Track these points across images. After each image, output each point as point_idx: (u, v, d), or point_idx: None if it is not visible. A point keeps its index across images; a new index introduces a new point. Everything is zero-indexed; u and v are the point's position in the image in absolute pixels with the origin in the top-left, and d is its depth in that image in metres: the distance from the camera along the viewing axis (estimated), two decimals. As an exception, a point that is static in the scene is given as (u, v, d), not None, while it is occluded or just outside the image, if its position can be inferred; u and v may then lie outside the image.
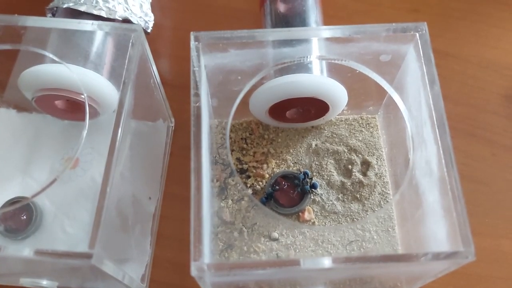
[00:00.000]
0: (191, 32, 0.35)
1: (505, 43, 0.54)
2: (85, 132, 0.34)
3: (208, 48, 0.35)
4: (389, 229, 0.42)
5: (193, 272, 0.27)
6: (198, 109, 0.32)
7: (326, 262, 0.29)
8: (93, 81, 0.40)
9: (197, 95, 0.33)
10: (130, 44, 0.35)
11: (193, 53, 0.35)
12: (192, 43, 0.35)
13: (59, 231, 0.43)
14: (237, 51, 0.36)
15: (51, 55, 0.37)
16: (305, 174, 0.44)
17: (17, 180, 0.45)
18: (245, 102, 0.42)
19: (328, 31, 0.36)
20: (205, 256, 0.29)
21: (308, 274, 0.33)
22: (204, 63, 0.36)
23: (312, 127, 0.47)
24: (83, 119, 0.44)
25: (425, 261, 0.29)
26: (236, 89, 0.37)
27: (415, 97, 0.36)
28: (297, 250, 0.41)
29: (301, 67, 0.40)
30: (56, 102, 0.44)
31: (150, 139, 0.47)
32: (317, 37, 0.36)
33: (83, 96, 0.41)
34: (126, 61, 0.34)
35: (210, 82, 0.38)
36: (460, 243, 0.29)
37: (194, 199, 0.29)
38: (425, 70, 0.34)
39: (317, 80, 0.40)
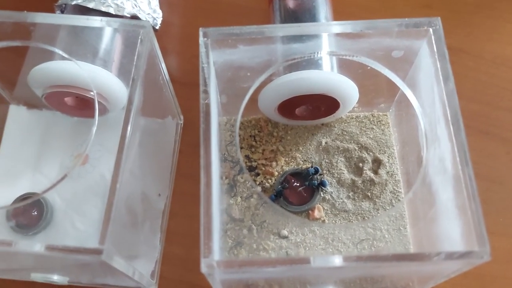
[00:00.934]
0: (200, 28, 0.34)
1: (519, 40, 0.53)
2: (94, 129, 0.34)
3: (217, 44, 0.35)
4: (401, 228, 0.41)
5: (203, 269, 0.27)
6: (207, 106, 0.31)
7: (337, 260, 0.29)
8: (102, 78, 0.40)
9: (206, 92, 0.32)
10: (139, 40, 0.35)
11: (202, 50, 0.34)
12: (201, 39, 0.34)
13: (69, 227, 0.43)
14: (246, 47, 0.35)
15: (60, 52, 0.37)
16: (316, 169, 0.43)
17: (28, 176, 0.45)
18: (254, 99, 0.42)
19: (338, 27, 0.35)
20: (215, 253, 0.28)
21: (318, 273, 0.33)
22: (213, 59, 0.36)
23: (322, 124, 0.46)
24: (93, 116, 0.44)
25: (438, 260, 0.28)
26: (245, 86, 0.37)
27: (428, 93, 0.35)
28: (307, 248, 0.40)
29: (311, 63, 0.40)
30: (66, 99, 0.44)
31: (159, 136, 0.47)
32: (327, 33, 0.36)
33: (92, 93, 0.40)
34: (135, 58, 0.34)
35: (219, 78, 0.38)
36: (475, 243, 0.28)
37: (203, 196, 0.29)
38: (439, 66, 0.33)
39: (327, 76, 0.40)
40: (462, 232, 0.30)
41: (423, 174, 0.33)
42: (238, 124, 0.34)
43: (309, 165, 0.44)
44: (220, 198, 0.34)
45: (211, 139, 0.31)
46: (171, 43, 0.55)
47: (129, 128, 0.31)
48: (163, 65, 0.40)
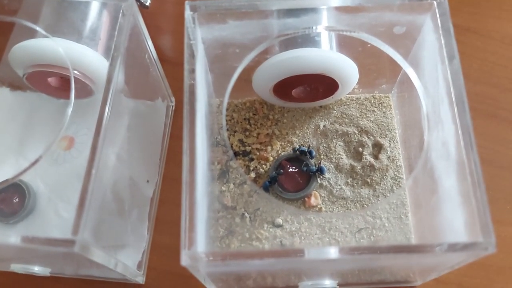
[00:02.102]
0: (186, 2, 0.32)
1: (530, 18, 0.51)
2: (70, 110, 0.32)
3: (204, 19, 0.33)
4: (402, 216, 0.39)
5: (184, 261, 0.25)
6: (192, 86, 0.29)
7: (333, 252, 0.27)
8: (86, 57, 0.38)
9: (193, 71, 0.30)
10: (121, 14, 0.33)
11: (189, 25, 0.32)
12: (187, 13, 0.32)
13: (53, 215, 0.41)
14: (237, 22, 0.33)
15: (37, 28, 0.35)
16: (309, 152, 0.41)
17: (11, 161, 0.44)
18: (248, 79, 0.41)
19: (338, 0, 0.33)
20: (198, 244, 0.27)
21: (313, 265, 0.31)
22: (202, 36, 0.34)
23: (320, 106, 0.45)
24: (79, 97, 0.42)
25: (440, 252, 0.27)
26: (237, 65, 0.35)
27: (431, 73, 0.33)
28: (303, 238, 0.39)
29: (308, 40, 0.38)
30: (49, 79, 0.42)
31: (149, 119, 0.45)
32: (325, 6, 0.33)
33: (76, 72, 0.39)
34: (116, 33, 0.32)
35: (208, 57, 0.36)
36: (479, 233, 0.26)
37: (186, 183, 0.27)
38: (443, 42, 0.31)
39: (325, 55, 0.38)
40: (465, 221, 0.28)
41: (424, 158, 0.32)
42: (225, 104, 0.32)
43: (308, 144, 0.43)
44: (207, 184, 0.32)
45: (196, 121, 0.29)
46: (165, 22, 0.53)
47: (107, 109, 0.30)
48: (150, 43, 0.38)
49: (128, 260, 0.39)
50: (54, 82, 0.42)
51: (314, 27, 0.34)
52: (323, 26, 0.34)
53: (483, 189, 0.27)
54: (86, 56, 0.38)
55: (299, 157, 0.42)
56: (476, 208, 0.27)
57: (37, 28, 0.35)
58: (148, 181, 0.43)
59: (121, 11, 0.33)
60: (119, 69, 0.31)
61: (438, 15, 0.32)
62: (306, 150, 0.42)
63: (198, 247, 0.27)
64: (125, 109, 0.41)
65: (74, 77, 0.39)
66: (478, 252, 0.26)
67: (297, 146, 0.42)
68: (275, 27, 0.35)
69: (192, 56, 0.32)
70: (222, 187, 0.41)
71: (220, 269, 0.29)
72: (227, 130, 0.44)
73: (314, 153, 0.42)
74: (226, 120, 0.44)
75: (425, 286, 0.39)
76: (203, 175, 0.30)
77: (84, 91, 0.41)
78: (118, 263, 0.34)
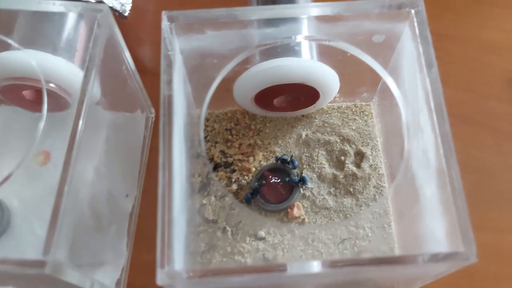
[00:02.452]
0: (163, 12, 0.32)
1: (509, 24, 0.52)
2: (42, 124, 0.31)
3: (182, 29, 0.32)
4: (385, 225, 0.39)
5: (160, 280, 0.25)
6: (169, 97, 0.29)
7: (315, 266, 0.27)
8: (61, 69, 0.38)
9: (169, 82, 0.30)
10: (96, 25, 0.32)
11: (166, 35, 0.32)
12: (164, 24, 0.32)
13: (28, 234, 0.40)
14: (215, 32, 0.33)
15: (9, 41, 0.34)
16: (292, 162, 0.41)
17: (-15, 178, 0.42)
18: (229, 90, 0.40)
19: (315, 9, 0.33)
20: (175, 261, 0.26)
21: (296, 279, 0.31)
22: (180, 47, 0.34)
23: (302, 116, 0.44)
24: (55, 110, 0.42)
25: (422, 263, 0.27)
26: (215, 76, 0.34)
27: (411, 81, 0.33)
28: (285, 250, 0.38)
29: (289, 50, 0.38)
30: (24, 92, 0.41)
31: (128, 132, 0.44)
32: (304, 15, 0.34)
33: (51, 85, 0.38)
34: (91, 44, 0.31)
35: (186, 68, 0.36)
36: (460, 243, 0.26)
37: (161, 198, 0.26)
38: (421, 50, 0.32)
39: (306, 64, 0.38)
40: (447, 230, 0.28)
41: (405, 167, 0.32)
42: (203, 116, 0.31)
43: (291, 154, 0.43)
44: (186, 199, 0.32)
45: (173, 134, 0.28)
46: (145, 32, 0.53)
47: (80, 122, 0.29)
48: (127, 54, 0.37)
49: (107, 278, 0.38)
50: (29, 95, 0.42)
51: (293, 37, 0.34)
52: (302, 36, 0.34)
53: (463, 198, 0.27)
54: (61, 68, 0.38)
55: (282, 167, 0.42)
56: (456, 217, 0.27)
57: (9, 41, 0.34)
58: (127, 195, 0.42)
59: (96, 21, 0.32)
60: (93, 81, 0.30)
61: (416, 23, 0.32)
62: (288, 159, 0.41)
63: (175, 265, 0.26)
64: (103, 122, 0.41)
65: (50, 89, 0.38)
66: (459, 262, 0.26)
67: (279, 155, 0.42)
68: (255, 37, 0.35)
69: (170, 66, 0.31)
70: (203, 200, 0.40)
71: (200, 287, 0.28)
72: (208, 141, 0.43)
73: (296, 162, 0.42)
74: (207, 131, 0.44)
75: (409, 296, 0.39)
76: (181, 189, 0.30)
77: (60, 104, 0.40)
78: (94, 283, 0.33)
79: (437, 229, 0.29)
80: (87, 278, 0.30)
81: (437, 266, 0.28)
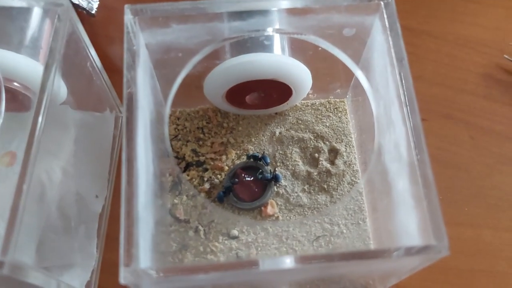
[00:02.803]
0: (126, 5, 0.31)
1: (482, 19, 0.52)
2: (-1, 122, 0.30)
3: (146, 23, 0.31)
4: (360, 222, 0.39)
5: (124, 278, 0.24)
6: (131, 94, 0.28)
7: (288, 262, 0.26)
8: (25, 67, 0.37)
9: (132, 78, 0.29)
10: (56, 19, 0.31)
11: (130, 29, 0.31)
12: (128, 18, 0.31)
13: (-7, 237, 0.39)
14: (181, 26, 0.32)
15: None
16: (263, 158, 0.41)
17: None
18: (200, 87, 0.40)
19: (284, 1, 0.32)
20: (141, 260, 0.25)
21: (268, 276, 0.30)
22: (145, 41, 0.33)
23: (276, 113, 0.44)
24: (20, 110, 0.40)
25: (396, 257, 0.26)
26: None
27: (382, 75, 0.33)
28: (259, 249, 0.38)
29: (260, 45, 0.37)
30: (-13, 92, 0.40)
31: (97, 132, 0.43)
32: (273, 8, 0.33)
33: (15, 84, 0.37)
34: (50, 39, 0.30)
35: (153, 63, 0.35)
36: (431, 236, 0.26)
37: (124, 196, 0.25)
38: (391, 43, 0.31)
39: (277, 59, 0.37)
40: (418, 224, 0.28)
41: (375, 161, 0.31)
42: (167, 113, 0.31)
43: (264, 150, 0.42)
44: (153, 198, 0.31)
45: (136, 132, 0.27)
46: (114, 30, 0.52)
47: (40, 119, 0.28)
48: (92, 51, 0.36)
49: (75, 280, 0.37)
50: (-7, 94, 0.40)
51: (262, 30, 0.33)
52: (272, 29, 0.33)
53: (434, 191, 0.27)
54: (25, 66, 0.36)
55: (255, 165, 0.41)
56: (428, 210, 0.26)
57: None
58: (97, 196, 0.41)
59: (57, 15, 0.31)
60: (54, 77, 0.29)
61: (385, 16, 0.32)
62: (259, 156, 0.41)
63: (140, 263, 0.25)
64: (70, 121, 0.40)
65: (13, 88, 0.37)
66: (432, 256, 0.26)
67: (251, 152, 0.42)
68: (223, 30, 0.34)
69: (133, 62, 0.30)
70: (175, 200, 0.40)
71: (168, 286, 0.27)
72: (179, 140, 0.43)
73: (268, 159, 0.41)
74: (178, 130, 0.43)
75: (386, 293, 0.39)
76: (147, 187, 0.29)
77: (25, 104, 0.39)
78: (60, 285, 0.32)
79: (410, 223, 0.28)
80: (53, 280, 0.29)
81: (411, 260, 0.27)
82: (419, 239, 0.28)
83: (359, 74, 0.32)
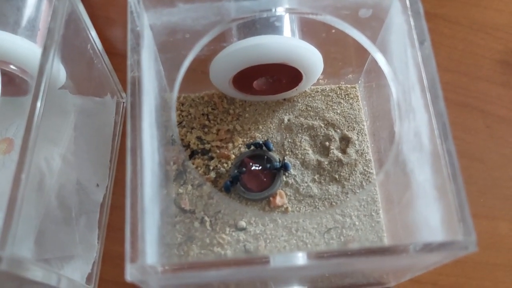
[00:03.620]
0: (129, -17, 0.29)
1: (498, 3, 0.50)
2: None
3: (151, 2, 0.30)
4: (373, 213, 0.38)
5: (130, 276, 0.22)
6: (135, 78, 0.26)
7: (300, 257, 0.25)
8: (22, 50, 0.35)
9: (137, 61, 0.27)
10: (55, -2, 0.29)
11: (133, 9, 0.29)
12: (131, -4, 0.29)
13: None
14: (188, 5, 0.30)
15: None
16: (265, 145, 0.40)
17: None
18: (205, 71, 0.38)
19: (296, -19, 0.31)
20: (147, 255, 0.24)
21: (279, 272, 0.29)
22: (150, 22, 0.31)
23: (284, 99, 0.43)
24: (18, 94, 0.39)
25: (414, 252, 0.25)
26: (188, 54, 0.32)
27: (401, 58, 0.31)
28: (268, 241, 0.36)
29: (269, 27, 0.36)
30: (-18, 75, 0.38)
31: (97, 118, 0.42)
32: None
33: (11, 67, 0.35)
34: (49, 19, 0.28)
35: (158, 46, 0.33)
36: (458, 230, 0.25)
37: (130, 186, 0.24)
38: (412, 24, 0.30)
39: (287, 42, 0.36)
40: (442, 218, 0.26)
41: (395, 151, 0.30)
42: (174, 98, 0.29)
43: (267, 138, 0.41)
44: (160, 188, 0.29)
45: (142, 118, 0.26)
46: (116, 13, 0.50)
47: (38, 104, 0.26)
48: (93, 33, 0.35)
49: (76, 273, 0.36)
50: (-12, 78, 0.39)
51: (273, 9, 0.32)
52: (283, 8, 0.32)
53: (460, 182, 0.25)
54: (22, 48, 0.35)
55: (263, 154, 0.39)
56: (453, 203, 0.25)
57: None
58: (98, 185, 0.40)
59: (55, -6, 0.30)
60: (53, 59, 0.28)
61: (406, -4, 0.30)
62: (261, 142, 0.39)
63: (148, 259, 0.24)
64: (70, 107, 0.39)
65: (9, 71, 0.36)
66: (457, 251, 0.25)
67: (251, 141, 0.40)
68: (231, 10, 0.32)
69: (137, 44, 0.28)
70: (179, 189, 0.38)
71: (175, 282, 0.26)
72: (184, 127, 0.41)
73: (271, 145, 0.39)
74: (183, 116, 0.42)
75: (399, 287, 0.37)
76: (153, 177, 0.27)
77: (22, 88, 0.38)
78: (61, 279, 0.30)
79: (431, 216, 0.27)
80: (53, 273, 0.28)
81: (431, 256, 0.26)
82: (442, 233, 0.26)
83: (379, 57, 0.30)
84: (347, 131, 0.41)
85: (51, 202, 0.36)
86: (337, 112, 0.42)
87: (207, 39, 0.31)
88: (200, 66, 0.37)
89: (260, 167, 0.39)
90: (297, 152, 0.40)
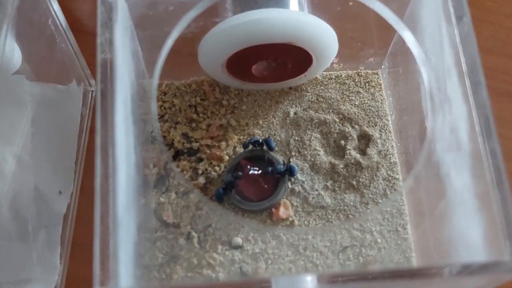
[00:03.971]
0: None
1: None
2: None
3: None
4: (399, 228, 0.39)
5: (99, 304, 0.23)
6: (106, 61, 0.27)
7: (309, 281, 0.26)
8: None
9: (108, 40, 0.28)
10: (8, -39, 0.30)
11: (104, -26, 0.30)
12: (102, -40, 0.29)
13: None
14: (172, -29, 0.31)
15: None
16: (266, 143, 0.40)
17: None
18: (193, 53, 0.39)
19: None
20: (120, 277, 0.25)
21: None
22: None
23: (290, 88, 0.44)
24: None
25: (450, 276, 0.26)
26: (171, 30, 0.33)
27: (434, 37, 0.32)
28: (269, 262, 0.37)
29: (271, -1, 0.37)
30: None
31: (60, 109, 0.43)
32: None
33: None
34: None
35: (134, 22, 0.34)
36: (503, 249, 0.25)
37: (99, 194, 0.25)
38: (449, -4, 0.31)
39: (294, 17, 0.37)
40: (484, 233, 0.27)
41: (426, 151, 0.30)
42: (154, 86, 0.30)
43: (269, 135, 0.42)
44: (137, 196, 0.30)
45: (114, 108, 0.26)
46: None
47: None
48: (55, 5, 0.36)
49: (34, 300, 0.37)
50: None
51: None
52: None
53: (507, 189, 0.26)
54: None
55: (263, 154, 0.40)
56: (498, 214, 0.26)
57: None
58: (60, 192, 0.41)
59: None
60: (5, 38, 0.29)
61: (440, -41, 0.31)
62: (260, 140, 0.40)
63: (121, 283, 0.25)
64: (26, 96, 0.40)
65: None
66: (502, 274, 0.25)
67: (249, 138, 0.41)
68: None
69: (109, 19, 0.29)
70: (161, 198, 0.39)
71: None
72: (167, 121, 0.42)
73: (273, 143, 0.40)
74: (165, 108, 0.43)
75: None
76: (128, 183, 0.28)
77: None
78: (14, 307, 0.31)
79: (471, 231, 0.28)
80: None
81: (470, 280, 0.27)
82: (484, 253, 0.27)
83: (407, 36, 0.31)
84: (367, 127, 0.42)
85: (3, 214, 0.37)
86: (355, 104, 0.43)
87: (195, 13, 0.31)
88: (186, 47, 0.38)
89: (260, 171, 0.40)
90: (305, 153, 0.41)
